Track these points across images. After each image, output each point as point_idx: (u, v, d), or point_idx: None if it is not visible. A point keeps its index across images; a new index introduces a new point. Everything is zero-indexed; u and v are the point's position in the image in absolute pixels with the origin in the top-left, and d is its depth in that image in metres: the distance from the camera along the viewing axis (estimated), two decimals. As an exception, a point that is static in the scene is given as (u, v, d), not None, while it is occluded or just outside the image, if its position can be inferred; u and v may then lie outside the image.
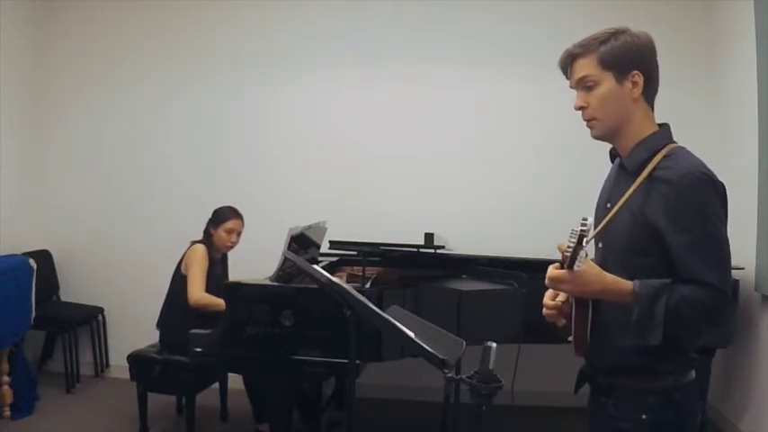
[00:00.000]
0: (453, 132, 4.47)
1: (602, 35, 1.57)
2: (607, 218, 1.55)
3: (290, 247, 3.00)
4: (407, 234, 3.73)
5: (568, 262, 1.40)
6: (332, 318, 2.72)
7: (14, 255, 4.10)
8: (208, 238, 3.66)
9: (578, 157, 4.30)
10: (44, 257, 4.46)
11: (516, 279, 3.18)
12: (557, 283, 1.49)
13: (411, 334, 1.74)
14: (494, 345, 1.58)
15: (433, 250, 3.66)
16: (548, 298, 1.63)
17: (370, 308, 1.92)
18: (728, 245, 1.49)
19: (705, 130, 3.99)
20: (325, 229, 3.77)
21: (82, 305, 4.55)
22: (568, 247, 1.38)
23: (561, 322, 1.62)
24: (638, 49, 1.56)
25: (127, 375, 3.56)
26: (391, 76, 4.47)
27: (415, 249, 3.56)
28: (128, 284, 4.59)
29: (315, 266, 2.28)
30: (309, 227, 3.44)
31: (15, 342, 3.78)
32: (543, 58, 4.24)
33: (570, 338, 1.61)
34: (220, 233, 3.64)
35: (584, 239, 1.35)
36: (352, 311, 2.00)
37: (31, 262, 3.92)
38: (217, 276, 3.63)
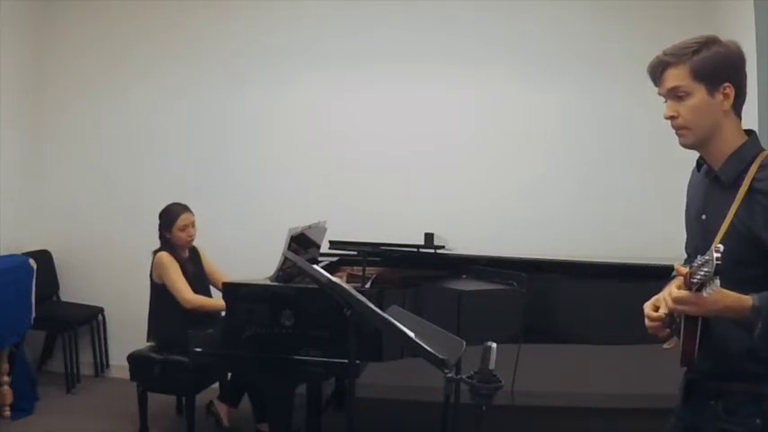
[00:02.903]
0: (453, 132, 4.47)
1: (694, 44, 1.55)
2: (720, 234, 1.52)
3: (290, 247, 3.00)
4: (407, 234, 3.74)
5: (697, 287, 1.39)
6: (332, 318, 2.72)
7: (14, 255, 4.10)
8: (167, 243, 3.62)
9: (579, 156, 4.33)
10: (44, 257, 4.45)
11: (516, 279, 3.18)
12: (682, 305, 1.45)
13: (411, 334, 1.74)
14: (494, 345, 1.58)
15: (433, 250, 3.66)
16: (649, 309, 1.59)
17: (370, 308, 1.92)
18: None
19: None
20: (326, 229, 3.77)
21: (82, 305, 4.54)
22: (697, 272, 1.37)
23: (665, 333, 1.58)
24: (730, 60, 1.57)
25: (127, 375, 3.56)
26: (392, 76, 4.47)
27: (415, 249, 3.56)
28: (128, 284, 4.57)
29: (315, 266, 2.28)
30: (309, 227, 3.44)
31: (15, 342, 3.78)
32: (544, 58, 4.32)
33: (666, 345, 1.58)
34: (176, 233, 3.59)
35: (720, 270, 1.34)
36: (352, 311, 2.00)
37: (31, 262, 3.92)
38: (191, 275, 3.61)
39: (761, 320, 1.43)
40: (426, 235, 4.20)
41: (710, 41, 1.56)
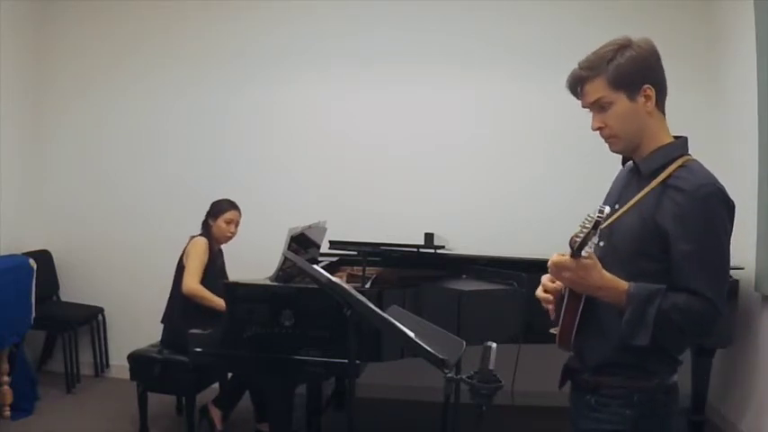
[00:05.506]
0: (453, 132, 4.47)
1: (607, 53, 1.56)
2: (616, 215, 1.56)
3: (290, 247, 3.00)
4: (407, 234, 3.74)
5: (577, 247, 1.40)
6: (332, 318, 2.72)
7: (14, 255, 4.10)
8: (207, 231, 3.68)
9: (579, 156, 4.32)
10: (44, 257, 4.45)
11: (516, 279, 3.18)
12: (559, 269, 1.48)
13: (411, 334, 1.74)
14: (494, 345, 1.58)
15: (433, 250, 3.66)
16: (546, 280, 1.64)
17: (370, 308, 1.92)
18: (729, 261, 1.53)
19: (705, 130, 3.99)
20: (326, 229, 3.77)
21: (82, 305, 4.54)
22: (579, 233, 1.39)
23: (551, 309, 1.63)
24: (644, 62, 1.56)
25: (127, 375, 3.56)
26: (391, 76, 4.47)
27: (415, 249, 3.56)
28: (128, 284, 4.59)
29: (315, 266, 2.28)
30: (309, 227, 3.44)
31: (15, 342, 3.78)
32: (544, 58, 4.32)
33: (553, 330, 1.61)
34: (219, 224, 3.66)
35: (600, 227, 1.36)
36: (352, 311, 2.00)
37: (31, 262, 3.92)
38: (218, 268, 3.67)
39: (630, 306, 1.46)
40: (426, 235, 4.20)
41: (623, 46, 1.55)
